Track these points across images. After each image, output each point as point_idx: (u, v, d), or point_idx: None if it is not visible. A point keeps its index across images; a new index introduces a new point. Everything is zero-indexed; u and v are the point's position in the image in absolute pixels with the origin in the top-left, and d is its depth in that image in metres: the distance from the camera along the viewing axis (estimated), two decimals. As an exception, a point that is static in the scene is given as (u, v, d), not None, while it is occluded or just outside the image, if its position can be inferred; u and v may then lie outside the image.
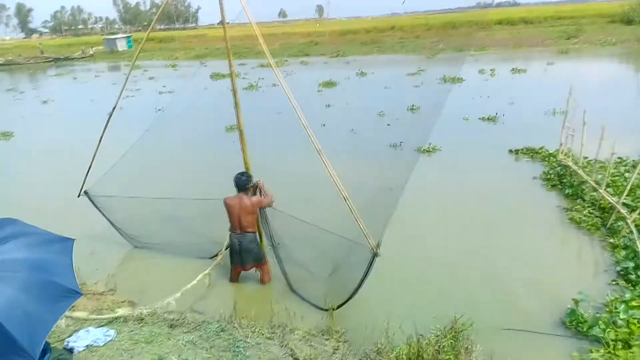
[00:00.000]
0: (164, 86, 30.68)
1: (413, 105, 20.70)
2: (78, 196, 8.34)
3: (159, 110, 22.90)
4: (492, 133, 16.36)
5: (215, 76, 36.39)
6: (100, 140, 7.85)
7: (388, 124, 18.13)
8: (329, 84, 28.81)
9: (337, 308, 6.63)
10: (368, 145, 15.57)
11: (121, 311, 6.31)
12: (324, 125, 17.98)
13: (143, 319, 6.24)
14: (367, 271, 6.04)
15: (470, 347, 5.46)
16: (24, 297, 3.86)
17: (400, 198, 6.96)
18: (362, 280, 6.18)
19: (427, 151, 14.41)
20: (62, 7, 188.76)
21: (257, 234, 7.64)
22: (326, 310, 6.70)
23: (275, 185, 7.77)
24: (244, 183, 7.28)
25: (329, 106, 22.24)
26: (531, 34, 52.35)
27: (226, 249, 7.79)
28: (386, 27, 68.99)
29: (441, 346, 5.38)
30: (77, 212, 8.91)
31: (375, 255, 5.87)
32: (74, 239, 4.65)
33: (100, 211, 8.68)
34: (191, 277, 7.50)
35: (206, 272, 7.21)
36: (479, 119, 17.92)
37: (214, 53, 58.76)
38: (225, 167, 13.33)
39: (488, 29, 58.63)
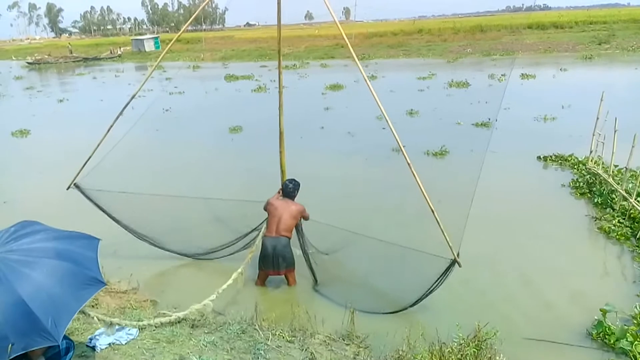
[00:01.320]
0: (176, 87, 31.17)
1: (412, 110, 20.75)
2: (67, 188, 8.05)
3: (167, 110, 23.30)
4: (487, 138, 15.98)
5: (229, 77, 36.93)
6: (103, 137, 7.68)
7: (383, 128, 18.02)
8: (335, 87, 28.87)
9: (399, 311, 6.71)
10: (366, 147, 15.87)
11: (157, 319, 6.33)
12: (323, 127, 18.04)
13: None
14: (443, 278, 6.15)
15: (493, 356, 5.37)
16: (49, 281, 4.03)
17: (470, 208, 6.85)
18: (435, 286, 6.29)
19: (440, 154, 14.50)
20: (92, 8, 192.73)
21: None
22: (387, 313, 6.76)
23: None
24: (291, 190, 7.56)
25: (327, 109, 22.36)
26: (562, 39, 51.53)
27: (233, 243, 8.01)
28: (413, 30, 68.45)
29: (464, 355, 5.30)
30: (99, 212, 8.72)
31: (454, 263, 5.93)
32: (99, 239, 4.73)
33: (94, 203, 8.30)
34: (208, 276, 7.52)
35: (239, 270, 7.13)
36: (472, 124, 17.80)
37: (240, 55, 59.27)
38: (227, 168, 13.60)
39: (518, 33, 57.84)
